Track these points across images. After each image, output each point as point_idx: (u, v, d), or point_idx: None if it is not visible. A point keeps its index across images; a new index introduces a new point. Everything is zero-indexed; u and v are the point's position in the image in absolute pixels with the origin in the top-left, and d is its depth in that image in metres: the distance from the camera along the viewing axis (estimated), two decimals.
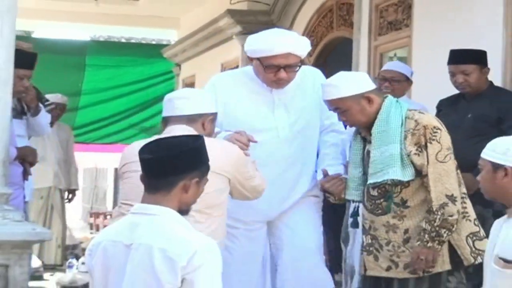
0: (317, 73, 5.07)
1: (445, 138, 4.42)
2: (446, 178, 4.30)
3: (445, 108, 6.21)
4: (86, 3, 13.97)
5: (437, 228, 4.26)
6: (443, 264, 4.39)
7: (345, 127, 4.97)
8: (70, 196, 10.01)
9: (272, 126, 4.76)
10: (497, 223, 4.03)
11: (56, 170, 9.22)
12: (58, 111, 9.57)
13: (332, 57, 10.50)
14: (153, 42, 16.41)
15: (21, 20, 14.78)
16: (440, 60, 6.81)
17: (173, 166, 3.28)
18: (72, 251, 9.38)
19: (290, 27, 11.41)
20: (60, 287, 7.16)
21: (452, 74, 6.07)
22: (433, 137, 4.33)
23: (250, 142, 4.48)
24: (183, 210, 3.33)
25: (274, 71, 4.59)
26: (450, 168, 4.35)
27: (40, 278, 7.57)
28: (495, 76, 6.79)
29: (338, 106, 4.43)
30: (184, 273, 3.08)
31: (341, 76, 4.60)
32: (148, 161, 3.26)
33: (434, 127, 4.39)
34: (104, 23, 15.86)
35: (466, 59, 6.07)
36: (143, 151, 3.32)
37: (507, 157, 3.72)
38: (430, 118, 4.51)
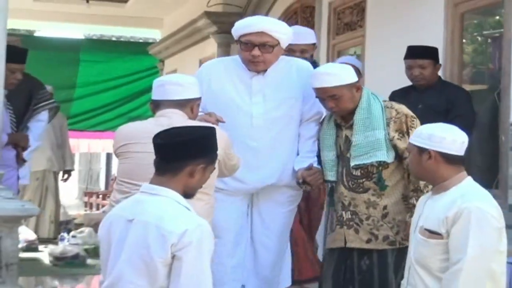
0: (305, 66, 4.82)
1: (419, 125, 4.39)
2: None
3: (397, 99, 5.98)
4: (79, 5, 13.92)
5: None
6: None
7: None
8: (66, 176, 10.02)
9: (247, 112, 4.60)
10: (421, 199, 4.08)
11: (49, 155, 9.15)
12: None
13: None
14: (140, 41, 16.34)
15: (23, 21, 14.87)
16: (389, 55, 6.91)
17: (181, 152, 3.26)
18: (65, 226, 9.35)
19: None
20: (52, 257, 7.14)
21: (409, 68, 6.08)
22: (412, 125, 4.34)
23: (220, 122, 4.36)
24: (188, 194, 3.32)
25: (250, 49, 4.44)
26: None
27: (35, 249, 7.59)
28: None
29: (334, 93, 4.34)
30: (174, 250, 3.06)
31: (337, 66, 4.62)
32: (159, 145, 3.25)
33: (412, 116, 4.43)
34: (96, 23, 15.85)
35: (423, 54, 6.09)
36: (157, 137, 3.31)
37: (430, 141, 3.74)
38: (407, 108, 4.53)
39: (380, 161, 4.30)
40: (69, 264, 6.96)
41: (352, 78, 4.43)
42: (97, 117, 14.76)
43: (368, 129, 4.36)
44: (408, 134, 4.32)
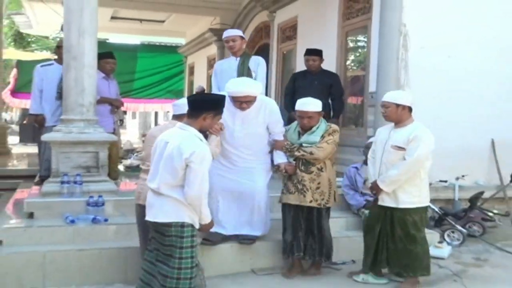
0: (269, 103, 4.49)
1: (337, 134, 4.40)
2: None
3: (299, 78, 6.34)
4: (136, 24, 14.08)
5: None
6: (332, 201, 4.40)
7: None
8: (120, 123, 10.04)
9: (233, 128, 4.36)
10: (384, 129, 4.27)
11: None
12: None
13: (261, 53, 10.07)
14: (173, 45, 16.08)
15: (102, 33, 14.93)
16: None
17: (199, 105, 3.30)
18: (131, 151, 9.27)
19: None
20: (124, 167, 7.27)
21: (307, 60, 6.23)
22: (333, 137, 4.32)
23: (221, 130, 4.23)
24: (202, 131, 3.35)
25: (238, 103, 4.24)
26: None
27: None
28: (331, 63, 7.22)
29: (311, 115, 4.24)
30: (187, 161, 3.13)
31: (315, 100, 4.35)
32: (189, 101, 3.33)
33: (336, 130, 4.39)
34: (147, 35, 15.75)
35: (315, 53, 6.27)
36: (190, 97, 3.40)
37: (402, 100, 4.09)
38: (337, 126, 4.47)
39: (306, 152, 4.28)
40: (133, 170, 7.03)
41: (321, 108, 4.31)
42: (148, 90, 14.52)
43: (310, 135, 4.30)
44: (329, 143, 4.28)
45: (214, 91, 5.35)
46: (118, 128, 9.38)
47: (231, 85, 4.29)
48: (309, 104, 4.30)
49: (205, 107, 3.31)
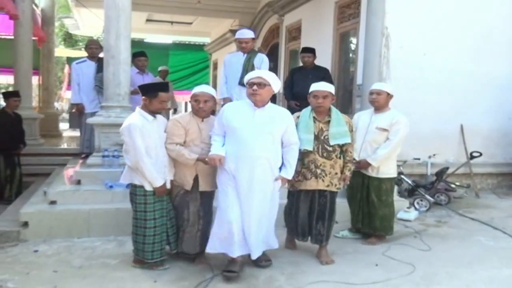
0: (284, 111, 3.76)
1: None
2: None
3: (295, 73, 6.41)
4: (168, 26, 14.19)
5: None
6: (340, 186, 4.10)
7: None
8: (173, 111, 9.89)
9: (250, 127, 3.57)
10: (364, 114, 4.32)
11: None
12: (165, 74, 9.20)
13: (273, 51, 10.39)
14: (200, 43, 16.04)
15: (138, 33, 14.98)
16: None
17: (142, 92, 3.47)
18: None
19: (258, 37, 11.27)
20: None
21: (303, 57, 6.22)
22: (353, 126, 4.10)
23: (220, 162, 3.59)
24: (153, 112, 3.41)
25: (252, 86, 3.56)
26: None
27: None
28: (327, 60, 7.42)
29: (326, 94, 3.94)
30: (121, 134, 3.39)
31: (329, 84, 4.07)
32: (139, 87, 3.53)
33: (351, 122, 4.12)
34: (177, 35, 15.85)
35: (310, 51, 6.27)
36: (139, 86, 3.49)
37: (390, 89, 4.25)
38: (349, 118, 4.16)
39: (347, 143, 3.99)
40: None
41: (333, 92, 4.03)
42: (178, 83, 14.42)
43: (339, 125, 3.97)
44: (352, 131, 4.04)
45: (222, 79, 5.57)
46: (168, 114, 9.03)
47: (249, 73, 3.76)
48: (325, 85, 4.04)
49: (143, 93, 3.50)
